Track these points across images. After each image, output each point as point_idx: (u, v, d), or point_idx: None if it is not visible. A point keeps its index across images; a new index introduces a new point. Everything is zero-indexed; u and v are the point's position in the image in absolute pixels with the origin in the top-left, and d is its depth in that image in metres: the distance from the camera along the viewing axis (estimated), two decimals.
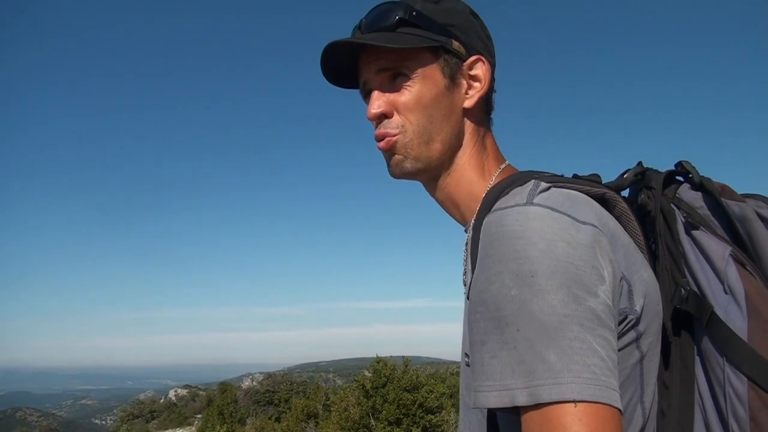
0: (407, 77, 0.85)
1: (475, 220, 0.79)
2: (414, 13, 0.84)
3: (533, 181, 0.77)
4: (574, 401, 0.59)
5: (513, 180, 0.80)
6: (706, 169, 0.83)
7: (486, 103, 0.91)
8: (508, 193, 0.77)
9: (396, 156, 0.87)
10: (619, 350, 0.70)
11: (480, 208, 0.79)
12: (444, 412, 22.01)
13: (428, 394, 21.87)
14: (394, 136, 0.86)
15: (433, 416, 21.52)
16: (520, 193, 0.74)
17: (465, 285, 0.86)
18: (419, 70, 0.85)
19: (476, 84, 0.88)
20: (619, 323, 0.70)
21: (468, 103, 0.87)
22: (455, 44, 0.86)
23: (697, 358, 0.77)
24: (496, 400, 0.63)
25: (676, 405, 0.76)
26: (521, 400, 0.61)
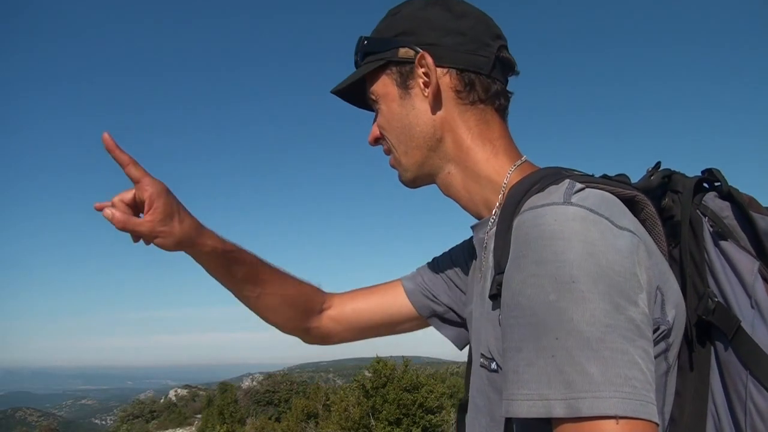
0: (377, 102, 0.91)
1: (498, 217, 0.76)
2: (366, 42, 0.90)
3: (568, 180, 0.73)
4: (615, 417, 0.57)
5: (542, 176, 0.76)
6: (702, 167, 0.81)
7: (458, 92, 0.85)
8: (539, 190, 0.73)
9: (397, 171, 0.93)
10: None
11: (504, 203, 0.76)
12: (444, 412, 22.02)
13: (428, 394, 21.89)
14: (389, 154, 0.93)
15: (433, 416, 21.53)
16: (555, 192, 0.70)
17: (479, 283, 0.86)
18: (379, 92, 0.90)
19: (429, 79, 0.85)
20: (653, 333, 0.68)
21: (430, 101, 0.85)
22: (402, 51, 0.86)
23: (715, 369, 0.75)
24: (531, 409, 0.60)
25: (689, 413, 0.75)
26: (558, 411, 0.59)
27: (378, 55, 0.88)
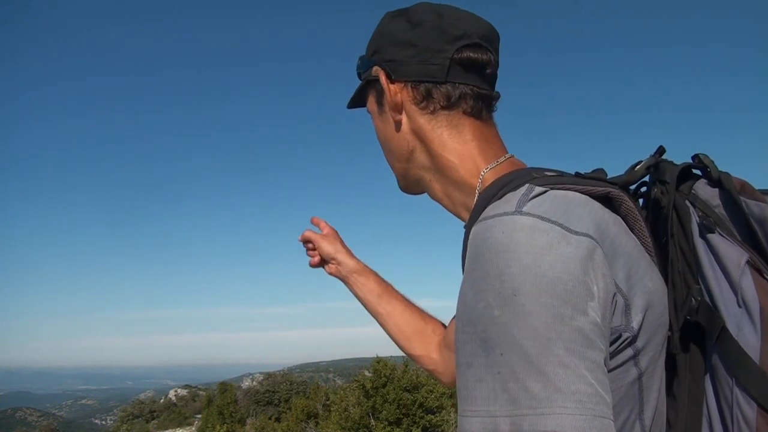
0: (371, 118, 0.95)
1: (466, 225, 0.75)
2: (360, 61, 0.93)
3: (527, 185, 0.70)
4: None
5: (507, 181, 0.73)
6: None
7: (418, 103, 0.84)
8: (499, 197, 0.71)
9: None
10: (615, 369, 0.66)
11: (472, 212, 0.75)
12: (444, 412, 22.01)
13: (428, 394, 21.87)
14: None
15: (433, 416, 21.52)
16: (510, 199, 0.68)
17: None
18: (369, 109, 0.94)
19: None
20: (614, 342, 0.65)
21: (393, 116, 0.87)
22: (374, 70, 0.88)
23: (708, 371, 0.71)
24: (480, 426, 0.60)
25: (683, 418, 0.72)
26: (504, 428, 0.58)
27: (363, 74, 0.92)
